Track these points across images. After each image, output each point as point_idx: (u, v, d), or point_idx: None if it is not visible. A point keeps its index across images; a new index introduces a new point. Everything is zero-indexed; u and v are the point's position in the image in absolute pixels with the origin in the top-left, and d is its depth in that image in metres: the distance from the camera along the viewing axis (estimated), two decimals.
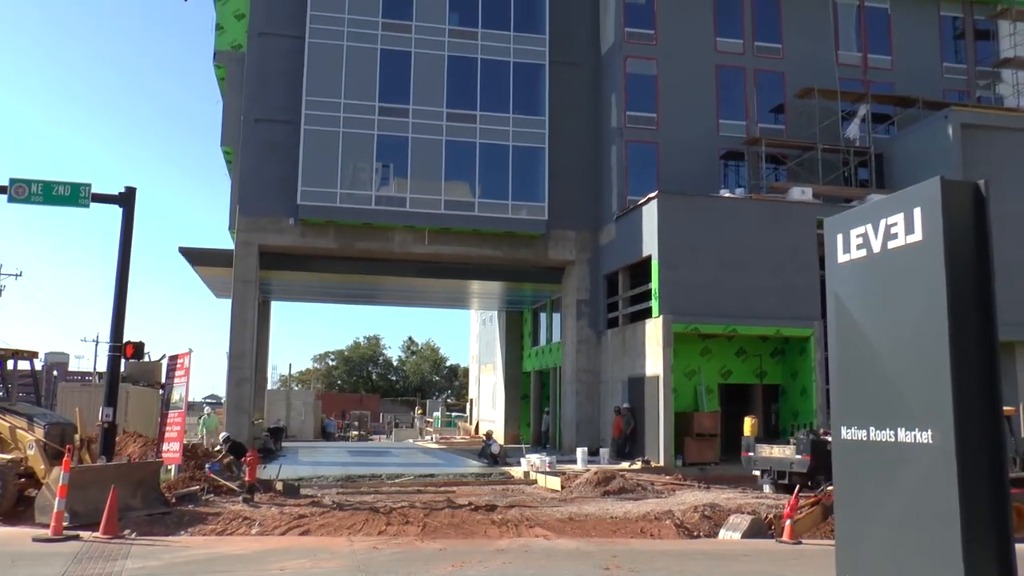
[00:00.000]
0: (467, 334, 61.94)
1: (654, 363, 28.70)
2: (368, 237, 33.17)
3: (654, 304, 29.20)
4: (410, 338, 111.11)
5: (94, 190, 19.45)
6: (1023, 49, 37.79)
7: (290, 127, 32.58)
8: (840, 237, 6.24)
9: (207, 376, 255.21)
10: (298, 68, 32.82)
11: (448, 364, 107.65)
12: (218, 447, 23.81)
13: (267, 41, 33.07)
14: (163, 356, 23.45)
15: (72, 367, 71.60)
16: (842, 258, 6.22)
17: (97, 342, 71.11)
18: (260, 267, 32.89)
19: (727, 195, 31.23)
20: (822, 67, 35.34)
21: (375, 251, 33.71)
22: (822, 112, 34.69)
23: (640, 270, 31.29)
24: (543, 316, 42.99)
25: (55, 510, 13.39)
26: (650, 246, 29.68)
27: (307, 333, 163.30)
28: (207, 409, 37.60)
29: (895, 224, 5.66)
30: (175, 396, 20.31)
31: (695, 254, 29.17)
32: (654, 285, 29.24)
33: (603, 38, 35.57)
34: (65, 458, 14.16)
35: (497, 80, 34.29)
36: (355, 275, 36.26)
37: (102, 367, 51.99)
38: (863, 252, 6.01)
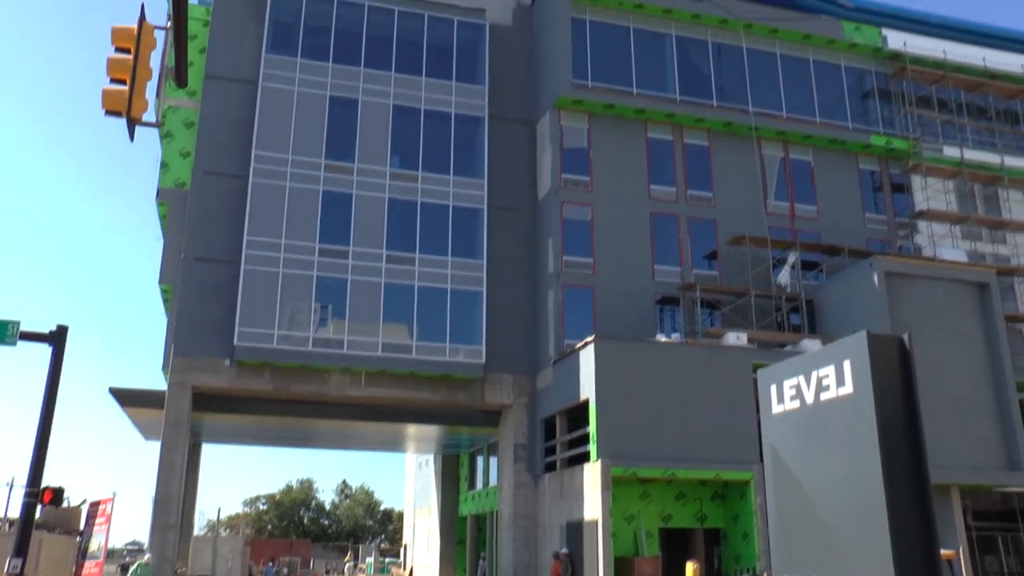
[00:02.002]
0: (402, 478, 60.76)
1: (592, 507, 28.32)
2: (304, 379, 32.75)
3: (592, 448, 29.03)
4: (344, 481, 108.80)
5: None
6: (935, 202, 39.80)
7: (230, 267, 32.49)
8: (774, 388, 6.36)
9: (130, 522, 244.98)
10: (241, 207, 33.02)
11: (382, 508, 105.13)
12: None
13: (211, 180, 33.32)
14: (83, 501, 22.54)
15: None
16: (776, 409, 6.32)
17: (11, 485, 67.72)
18: (193, 409, 32.13)
19: (663, 340, 31.64)
20: (752, 215, 36.62)
21: (311, 393, 33.24)
22: (754, 259, 35.74)
23: (578, 414, 31.23)
24: (480, 460, 42.42)
25: None
26: (587, 390, 29.74)
27: (238, 476, 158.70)
28: (147, 556, 35.78)
29: (827, 376, 5.81)
30: (93, 545, 19.44)
31: (632, 398, 29.25)
32: (592, 429, 29.15)
33: (540, 184, 36.53)
34: None
35: (436, 223, 34.84)
36: (290, 417, 35.62)
37: (14, 513, 49.56)
38: (796, 403, 6.12)
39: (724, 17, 38.05)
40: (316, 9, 35.84)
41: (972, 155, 40.64)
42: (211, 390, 32.36)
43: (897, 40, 40.81)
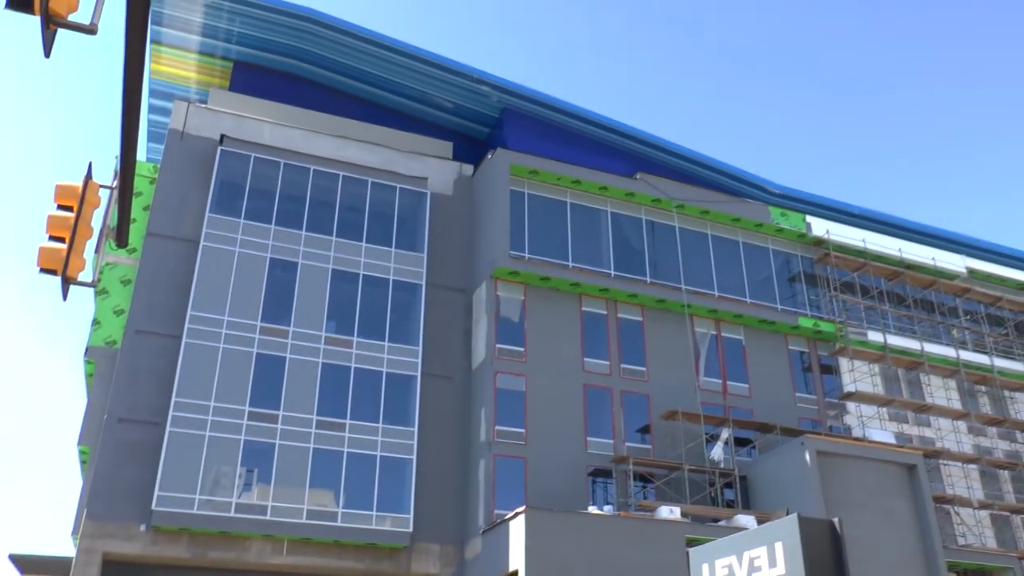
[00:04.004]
0: None
1: None
2: (224, 546, 31.42)
3: None
4: None
5: None
6: (862, 384, 40.89)
7: (154, 428, 31.56)
8: (706, 567, 6.30)
9: None
10: (171, 368, 32.40)
11: None
12: None
13: (143, 339, 32.73)
14: None
15: None
16: None
17: None
18: None
19: (595, 512, 31.24)
20: (685, 391, 37.07)
21: (229, 561, 31.81)
22: (687, 434, 35.92)
23: None
24: None
25: None
26: (517, 561, 29.00)
27: None
28: None
29: (758, 557, 5.77)
30: None
31: (563, 570, 28.58)
32: None
33: (474, 352, 36.66)
34: None
35: (369, 389, 34.55)
36: None
37: None
38: None
39: (657, 196, 39.61)
40: (262, 171, 36.49)
41: (894, 340, 42.13)
42: (122, 557, 30.78)
43: (820, 227, 42.84)
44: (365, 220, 37.43)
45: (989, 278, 47.71)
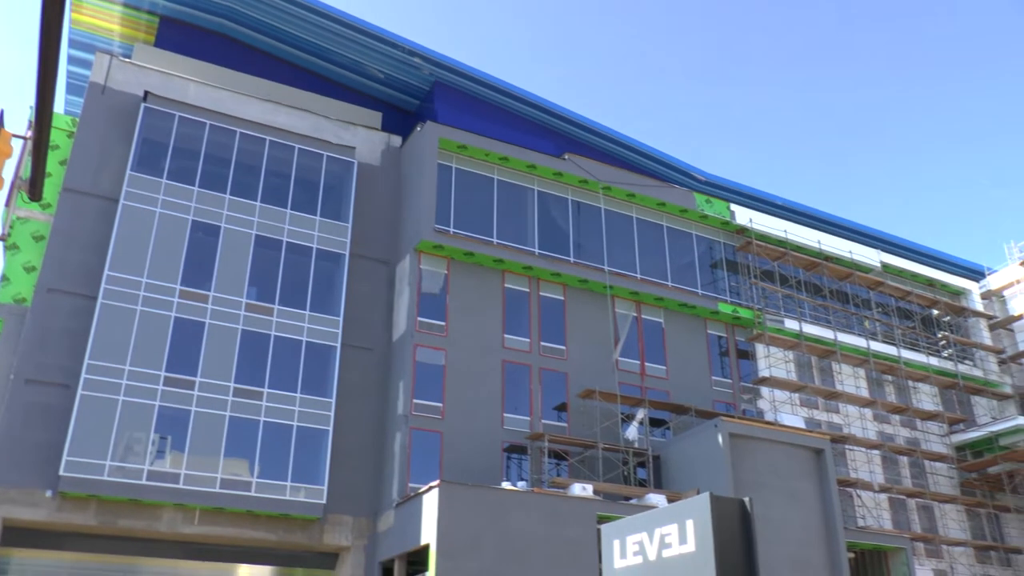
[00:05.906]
0: None
1: None
2: (134, 515, 30.84)
3: None
4: None
5: None
6: (776, 370, 41.94)
7: (64, 391, 30.73)
8: (617, 543, 6.42)
9: None
10: (84, 329, 31.55)
11: None
12: None
13: (55, 298, 31.77)
14: None
15: None
16: (619, 563, 6.36)
17: None
18: (1, 544, 29.60)
19: (509, 487, 31.51)
20: (603, 370, 37.49)
21: (139, 530, 31.26)
22: (603, 413, 36.38)
23: (418, 558, 30.49)
24: None
25: None
26: (428, 535, 29.12)
27: None
28: None
29: (669, 534, 5.91)
30: None
31: (474, 545, 28.79)
32: (431, 574, 28.44)
33: (395, 325, 36.52)
34: None
35: (288, 358, 34.17)
36: (113, 555, 33.25)
37: None
38: (639, 559, 6.19)
39: (584, 178, 39.84)
40: (187, 131, 35.61)
41: (810, 329, 43.29)
42: (26, 523, 29.93)
43: (744, 216, 43.67)
44: (291, 187, 36.88)
45: (901, 273, 49.33)
